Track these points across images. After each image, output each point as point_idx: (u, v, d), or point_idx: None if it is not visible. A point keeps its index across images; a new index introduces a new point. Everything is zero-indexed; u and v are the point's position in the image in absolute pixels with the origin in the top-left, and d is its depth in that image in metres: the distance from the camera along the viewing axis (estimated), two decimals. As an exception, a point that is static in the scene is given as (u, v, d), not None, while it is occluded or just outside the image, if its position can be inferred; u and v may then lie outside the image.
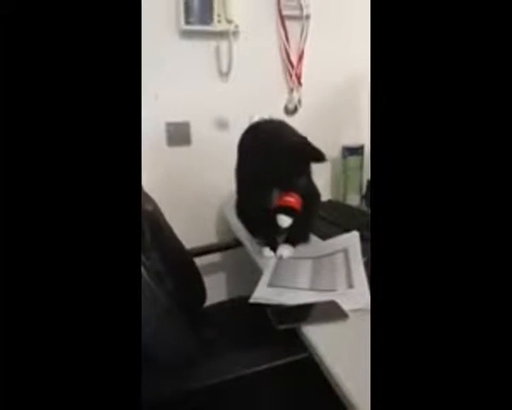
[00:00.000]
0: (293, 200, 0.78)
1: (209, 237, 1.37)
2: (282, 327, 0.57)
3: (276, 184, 0.78)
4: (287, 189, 0.78)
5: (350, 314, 0.60)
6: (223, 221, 1.38)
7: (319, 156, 0.77)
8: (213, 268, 1.43)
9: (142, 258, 0.61)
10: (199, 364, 0.60)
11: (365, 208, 1.22)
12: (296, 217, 0.89)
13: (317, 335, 0.56)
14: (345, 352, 0.53)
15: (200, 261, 1.31)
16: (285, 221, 0.79)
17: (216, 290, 1.42)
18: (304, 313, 0.61)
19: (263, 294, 0.68)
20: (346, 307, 0.61)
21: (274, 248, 0.88)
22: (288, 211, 0.79)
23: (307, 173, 0.83)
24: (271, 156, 0.76)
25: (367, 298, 0.63)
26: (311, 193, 0.94)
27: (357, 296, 0.64)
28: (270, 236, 0.91)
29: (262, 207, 0.85)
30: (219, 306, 1.04)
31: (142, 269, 0.56)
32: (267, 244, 0.89)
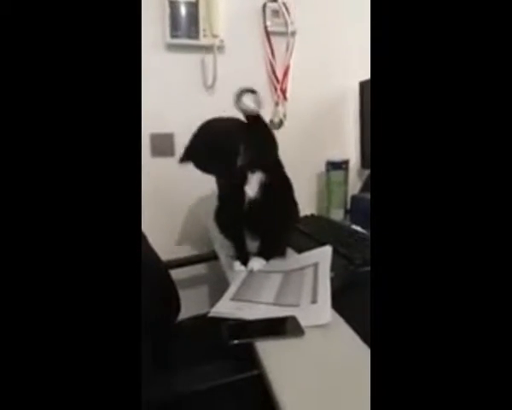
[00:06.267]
0: None
1: (192, 249, 1.37)
2: (234, 342, 0.55)
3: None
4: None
5: (307, 331, 0.58)
6: (205, 232, 1.38)
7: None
8: (198, 280, 1.42)
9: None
10: (157, 378, 0.58)
11: (348, 223, 1.20)
12: (272, 231, 0.88)
13: (270, 351, 0.55)
14: (296, 369, 0.51)
15: (183, 273, 1.30)
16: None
17: (201, 303, 1.41)
18: (259, 328, 0.59)
19: (223, 308, 0.66)
20: (304, 322, 0.60)
21: (245, 262, 0.87)
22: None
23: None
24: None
25: (327, 315, 0.61)
26: (289, 207, 0.94)
27: (317, 313, 0.63)
28: (241, 249, 0.90)
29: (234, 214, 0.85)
30: (194, 319, 1.02)
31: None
32: (238, 258, 0.88)
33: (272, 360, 0.53)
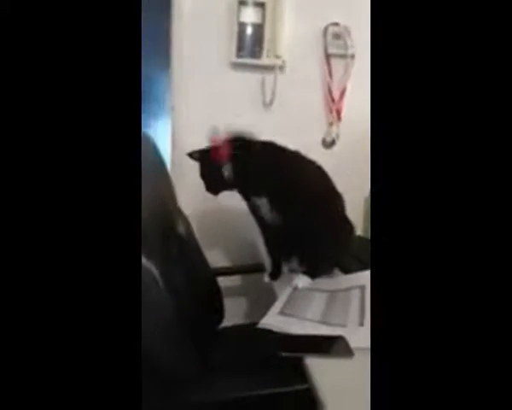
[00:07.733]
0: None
1: (238, 259, 1.41)
2: (285, 355, 0.58)
3: None
4: None
5: (355, 353, 0.59)
6: (253, 244, 1.41)
7: None
8: (244, 290, 1.45)
9: (165, 269, 0.65)
10: (200, 381, 0.62)
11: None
12: (318, 249, 0.91)
13: (320, 368, 0.57)
14: (344, 389, 0.53)
15: (231, 282, 1.35)
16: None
17: (244, 312, 1.45)
18: (309, 344, 0.61)
19: (271, 321, 0.69)
20: (353, 344, 0.61)
21: (275, 277, 0.94)
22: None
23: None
24: None
25: (376, 339, 0.62)
26: (337, 225, 0.95)
27: (366, 335, 0.64)
28: (276, 263, 0.95)
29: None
30: (236, 328, 1.05)
31: (161, 279, 0.60)
32: (270, 274, 0.95)
33: (321, 378, 0.55)
